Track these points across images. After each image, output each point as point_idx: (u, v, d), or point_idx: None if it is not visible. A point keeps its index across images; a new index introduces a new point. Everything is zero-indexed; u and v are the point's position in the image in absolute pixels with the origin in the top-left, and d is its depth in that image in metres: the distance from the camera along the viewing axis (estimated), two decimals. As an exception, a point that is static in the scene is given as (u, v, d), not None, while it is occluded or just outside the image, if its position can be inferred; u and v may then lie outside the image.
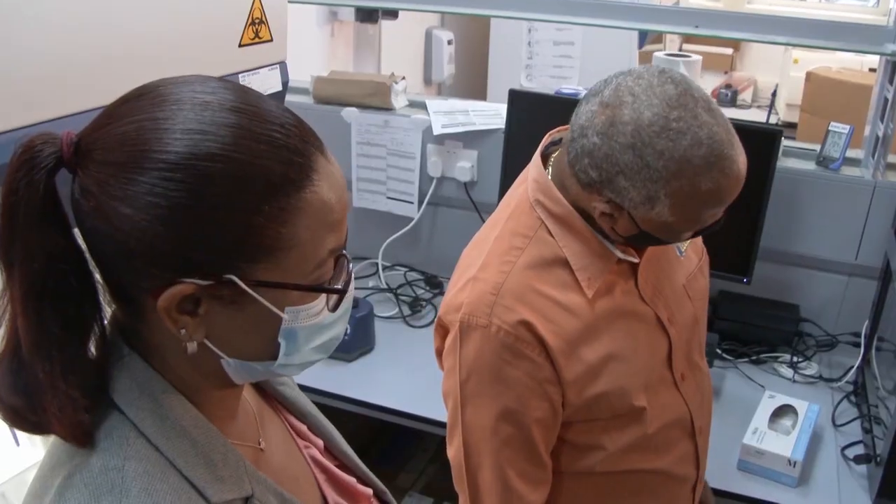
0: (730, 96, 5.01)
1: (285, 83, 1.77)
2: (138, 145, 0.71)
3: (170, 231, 0.71)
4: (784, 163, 2.20)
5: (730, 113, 4.80)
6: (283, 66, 1.74)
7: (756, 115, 4.92)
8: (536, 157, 1.31)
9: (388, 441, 2.68)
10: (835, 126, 2.17)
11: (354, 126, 2.58)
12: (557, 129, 1.33)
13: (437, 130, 2.45)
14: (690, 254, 1.45)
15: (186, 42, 1.45)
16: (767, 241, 2.13)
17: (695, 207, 1.16)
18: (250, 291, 0.75)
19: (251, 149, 0.72)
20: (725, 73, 5.40)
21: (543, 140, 1.33)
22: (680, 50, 5.35)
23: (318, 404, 2.03)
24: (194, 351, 0.77)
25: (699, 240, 1.50)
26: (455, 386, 1.28)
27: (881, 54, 2.14)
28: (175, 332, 0.75)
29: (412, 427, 2.04)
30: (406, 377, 2.11)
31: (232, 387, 0.85)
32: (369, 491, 1.06)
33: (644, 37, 4.12)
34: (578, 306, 1.25)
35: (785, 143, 2.24)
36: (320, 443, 1.04)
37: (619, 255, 1.27)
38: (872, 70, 4.82)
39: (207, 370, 0.80)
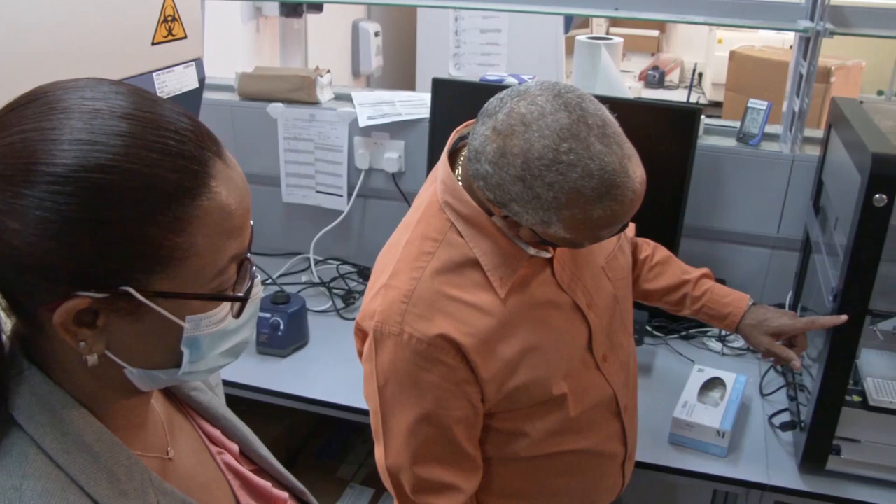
0: (657, 77, 5.06)
1: (202, 80, 1.75)
2: (24, 158, 0.68)
3: (61, 245, 0.69)
4: (706, 140, 2.24)
5: (658, 94, 4.88)
6: (198, 63, 1.72)
7: (683, 96, 4.91)
8: (444, 157, 1.31)
9: (327, 434, 2.67)
10: (753, 103, 2.21)
11: (281, 121, 2.57)
12: (464, 124, 1.33)
13: (363, 122, 2.45)
14: None
15: (95, 41, 1.42)
16: (692, 218, 2.17)
17: (591, 229, 1.17)
18: (148, 303, 0.73)
19: (143, 158, 0.70)
20: (653, 54, 5.45)
21: (451, 137, 1.33)
22: (607, 33, 5.40)
23: (253, 401, 2.04)
24: (95, 363, 0.75)
25: None
26: (374, 392, 1.30)
27: (795, 31, 2.18)
28: (74, 346, 0.74)
29: (350, 419, 2.04)
30: (342, 370, 2.11)
31: (139, 395, 0.83)
32: (285, 494, 1.05)
33: (569, 21, 4.15)
34: (492, 305, 1.26)
35: (707, 121, 2.29)
36: (235, 447, 1.03)
37: (531, 251, 1.29)
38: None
39: (111, 381, 0.79)
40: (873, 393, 1.78)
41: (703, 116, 2.18)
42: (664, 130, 2.06)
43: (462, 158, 1.28)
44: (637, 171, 1.15)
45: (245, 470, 1.01)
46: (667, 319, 2.26)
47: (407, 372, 1.25)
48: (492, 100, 1.17)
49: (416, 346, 1.23)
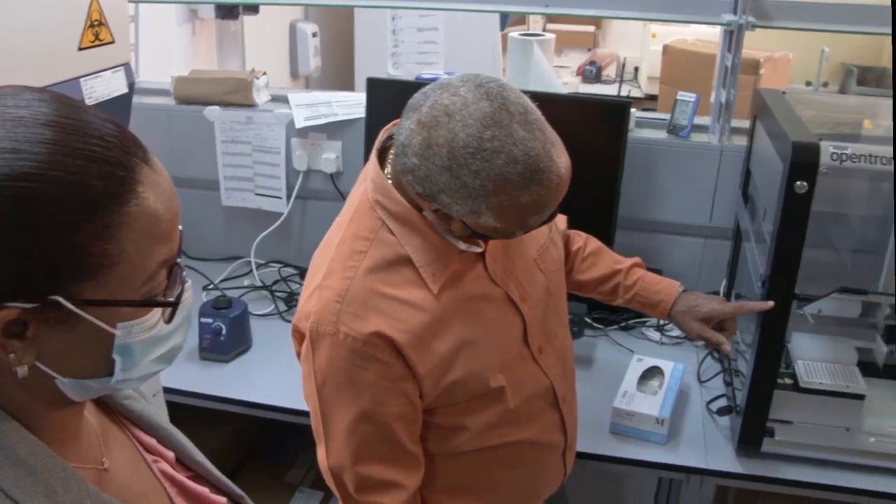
0: (594, 72, 5.12)
1: (131, 85, 1.74)
2: None
3: None
4: (638, 133, 2.28)
5: (595, 88, 4.93)
6: (127, 67, 1.71)
7: (630, 91, 5.06)
8: (373, 156, 1.32)
9: (274, 438, 2.66)
10: (682, 95, 2.26)
11: (218, 125, 2.55)
12: (392, 123, 1.35)
13: (299, 124, 2.45)
14: (541, 226, 1.49)
15: (19, 47, 1.41)
16: (626, 209, 2.20)
17: (520, 216, 1.19)
18: (78, 311, 0.73)
19: (68, 165, 0.70)
20: (589, 50, 5.51)
21: (379, 136, 1.34)
22: (543, 30, 5.45)
23: (197, 408, 2.03)
24: (25, 375, 0.74)
25: None
26: (313, 392, 1.31)
27: (719, 24, 2.23)
28: (4, 357, 0.73)
29: (297, 422, 2.03)
30: (286, 373, 2.09)
31: (71, 406, 0.83)
32: (223, 500, 1.05)
33: (505, 19, 4.18)
34: (425, 301, 1.28)
35: (638, 114, 2.33)
36: (171, 455, 1.02)
37: (463, 246, 1.30)
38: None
39: (42, 392, 0.78)
40: (804, 375, 1.83)
41: (633, 110, 2.22)
42: (596, 124, 2.10)
43: (391, 157, 1.29)
44: (561, 157, 1.18)
45: (182, 477, 1.01)
46: (606, 311, 2.29)
47: (344, 371, 1.26)
48: (415, 95, 1.19)
49: (351, 345, 1.24)
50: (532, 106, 1.18)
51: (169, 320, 0.81)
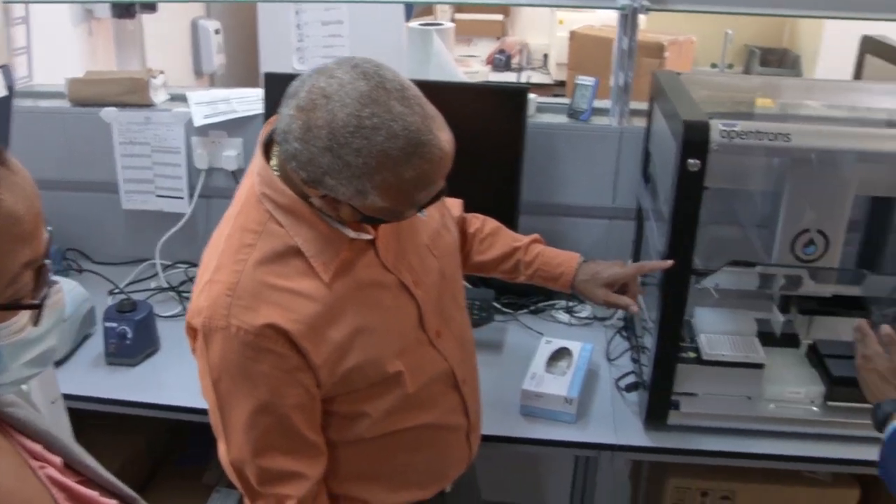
0: (504, 61, 5.16)
1: (10, 87, 1.69)
2: None
3: None
4: (539, 118, 2.31)
5: (505, 77, 4.97)
6: (5, 70, 1.66)
7: (530, 77, 5.10)
8: (258, 149, 1.32)
9: (189, 440, 2.63)
10: (581, 79, 2.29)
11: (115, 126, 2.50)
12: (275, 116, 1.34)
13: (198, 122, 2.42)
14: (433, 211, 1.50)
15: None
16: (531, 194, 2.23)
17: (406, 193, 1.20)
18: None
19: None
20: (498, 38, 5.54)
21: (263, 130, 1.34)
22: (452, 19, 5.46)
23: (106, 414, 1.99)
24: None
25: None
26: (209, 388, 1.30)
27: (615, 8, 2.27)
28: None
29: (209, 423, 2.01)
30: (196, 374, 2.07)
31: None
32: (113, 502, 1.03)
33: (410, 10, 4.17)
34: (317, 291, 1.28)
35: (539, 99, 2.35)
36: (58, 460, 1.00)
37: (352, 234, 1.30)
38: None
39: None
40: (706, 348, 1.88)
41: (533, 95, 2.25)
42: (496, 111, 2.12)
43: (276, 149, 1.29)
44: (443, 131, 1.19)
45: (70, 482, 0.99)
46: (515, 296, 2.31)
47: (238, 364, 1.25)
48: (293, 82, 1.19)
49: (243, 338, 1.23)
50: (410, 83, 1.19)
51: (37, 322, 0.79)
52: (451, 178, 1.96)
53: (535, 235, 1.79)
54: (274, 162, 1.29)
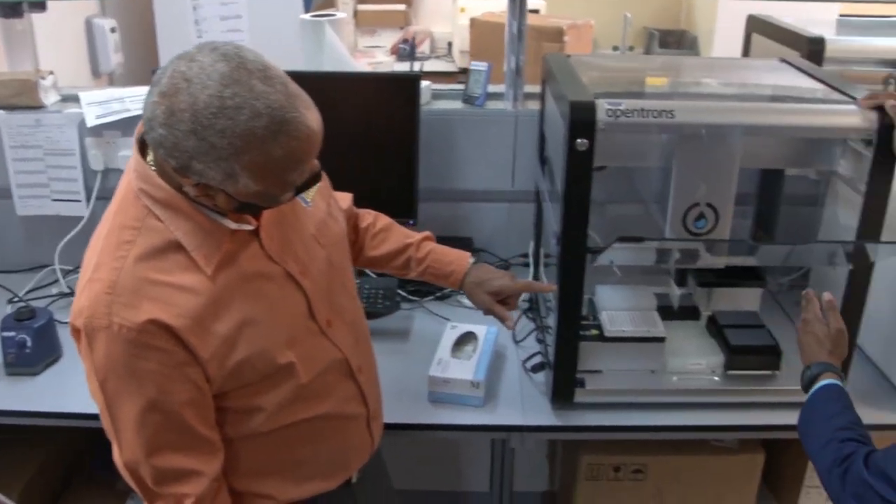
0: (409, 50, 5.15)
1: None
2: None
3: None
4: (435, 105, 2.31)
5: (416, 67, 4.96)
6: None
7: (435, 66, 5.12)
8: (134, 146, 1.30)
9: (101, 447, 2.57)
10: (475, 65, 2.30)
11: (4, 129, 2.42)
12: None
13: (90, 122, 2.35)
14: (318, 201, 1.49)
15: None
16: (431, 181, 2.23)
17: (277, 173, 1.19)
18: None
19: None
20: (402, 28, 5.54)
21: (139, 126, 1.31)
22: (354, 11, 5.44)
23: (10, 427, 1.92)
24: None
25: (327, 186, 1.56)
26: (97, 389, 1.27)
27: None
28: None
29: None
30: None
31: None
32: None
33: (309, 2, 4.14)
34: (200, 284, 1.26)
35: (434, 86, 2.35)
36: None
37: (233, 226, 1.29)
38: (532, 11, 5.14)
39: None
40: (608, 325, 1.91)
41: (427, 82, 2.25)
42: (389, 100, 2.12)
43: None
44: (309, 110, 1.18)
45: None
46: (419, 283, 2.30)
47: (123, 363, 1.23)
48: (157, 71, 1.17)
49: (126, 336, 1.21)
50: (273, 65, 1.18)
51: None
52: (348, 169, 1.97)
53: (427, 233, 1.82)
54: (150, 158, 1.26)
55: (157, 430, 1.27)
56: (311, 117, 1.18)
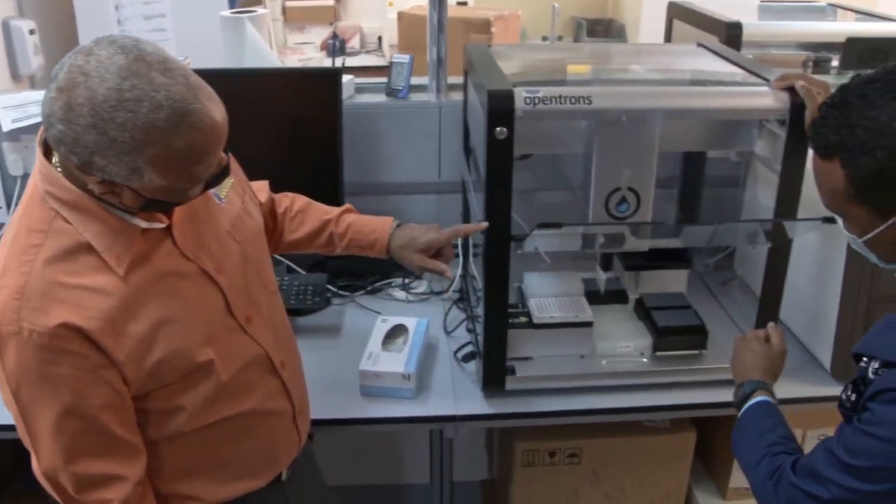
0: (339, 46, 5.13)
1: None
2: None
3: None
4: (359, 99, 2.31)
5: (339, 62, 4.94)
6: None
7: (366, 61, 5.10)
8: (38, 148, 1.27)
9: (28, 460, 2.52)
10: (397, 58, 2.30)
11: (-83, 137, 2.36)
12: None
13: (6, 127, 2.31)
14: (233, 197, 1.48)
15: None
16: (357, 175, 2.22)
17: (182, 166, 1.17)
18: None
19: None
20: (331, 24, 5.51)
21: (41, 128, 1.29)
22: (283, 8, 5.40)
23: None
24: None
25: (243, 182, 1.55)
26: (10, 399, 1.24)
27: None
28: None
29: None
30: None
31: None
32: None
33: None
34: (112, 286, 1.24)
35: (357, 80, 2.35)
36: None
37: (144, 224, 1.27)
38: (461, 3, 5.15)
39: None
40: (536, 312, 1.93)
41: (350, 76, 2.25)
42: (311, 95, 2.11)
43: None
44: (212, 102, 1.17)
45: None
46: (351, 277, 2.31)
47: (36, 370, 1.20)
48: (55, 67, 1.15)
49: (38, 341, 1.18)
50: (173, 57, 1.16)
51: None
52: (272, 165, 1.95)
53: (347, 206, 1.81)
54: (56, 159, 1.24)
55: (75, 436, 1.24)
56: (214, 109, 1.17)
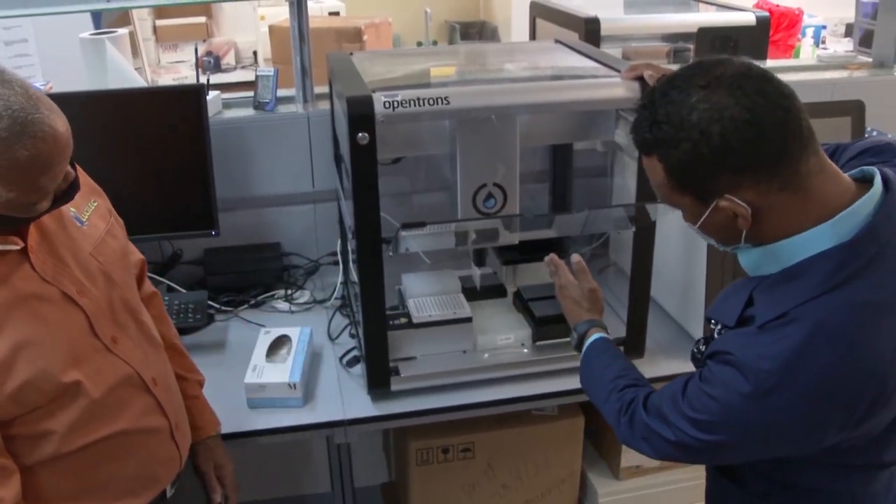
0: (213, 62, 5.09)
1: None
2: None
3: None
4: (227, 114, 2.30)
5: (216, 78, 4.89)
6: None
7: (241, 76, 5.07)
8: None
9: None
10: (261, 71, 2.31)
11: None
12: None
13: None
14: (97, 221, 1.47)
15: None
16: (231, 191, 2.22)
17: (28, 178, 1.16)
18: None
19: None
20: (204, 40, 5.45)
21: None
22: (154, 27, 5.32)
23: None
24: None
25: (106, 208, 1.53)
26: None
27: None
28: None
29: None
30: None
31: None
32: None
33: (98, 18, 4.02)
34: None
35: (224, 95, 2.34)
36: None
37: None
38: (332, 13, 5.17)
39: None
40: (415, 312, 1.96)
41: (217, 92, 2.24)
42: (175, 113, 2.09)
43: None
44: (54, 114, 1.17)
45: None
46: (233, 292, 2.30)
47: None
48: None
49: None
50: (11, 70, 1.16)
51: None
52: (141, 186, 1.93)
53: (201, 378, 1.78)
54: None
55: None
56: (56, 119, 1.17)
